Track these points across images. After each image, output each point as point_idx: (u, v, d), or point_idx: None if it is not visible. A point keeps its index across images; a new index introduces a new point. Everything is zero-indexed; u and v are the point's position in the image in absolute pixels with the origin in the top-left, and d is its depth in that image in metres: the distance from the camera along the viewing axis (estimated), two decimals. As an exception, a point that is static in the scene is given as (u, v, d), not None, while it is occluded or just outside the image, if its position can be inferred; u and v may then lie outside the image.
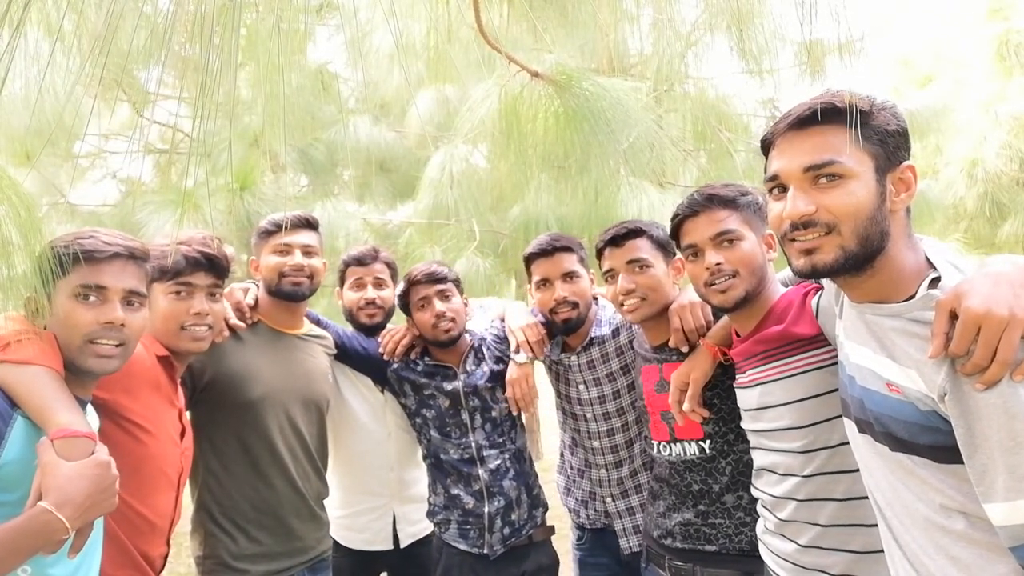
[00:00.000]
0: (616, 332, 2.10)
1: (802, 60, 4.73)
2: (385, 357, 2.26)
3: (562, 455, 2.37)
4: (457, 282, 2.26)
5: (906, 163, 1.10)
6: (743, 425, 1.62)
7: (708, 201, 1.55)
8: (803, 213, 1.09)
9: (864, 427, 1.14)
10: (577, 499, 2.26)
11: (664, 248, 1.89)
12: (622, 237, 1.86)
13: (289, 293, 2.07)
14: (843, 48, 4.34)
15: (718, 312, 1.73)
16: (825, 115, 1.09)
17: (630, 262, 1.84)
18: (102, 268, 1.32)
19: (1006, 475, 0.88)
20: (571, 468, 2.30)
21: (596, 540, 2.21)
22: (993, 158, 6.71)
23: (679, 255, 1.94)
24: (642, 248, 1.85)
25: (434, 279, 2.18)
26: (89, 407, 1.40)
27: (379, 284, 2.35)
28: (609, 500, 2.12)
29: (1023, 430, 0.87)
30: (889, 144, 1.08)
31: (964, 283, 0.95)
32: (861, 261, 1.08)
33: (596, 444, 2.13)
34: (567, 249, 2.07)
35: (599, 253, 1.93)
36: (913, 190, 1.09)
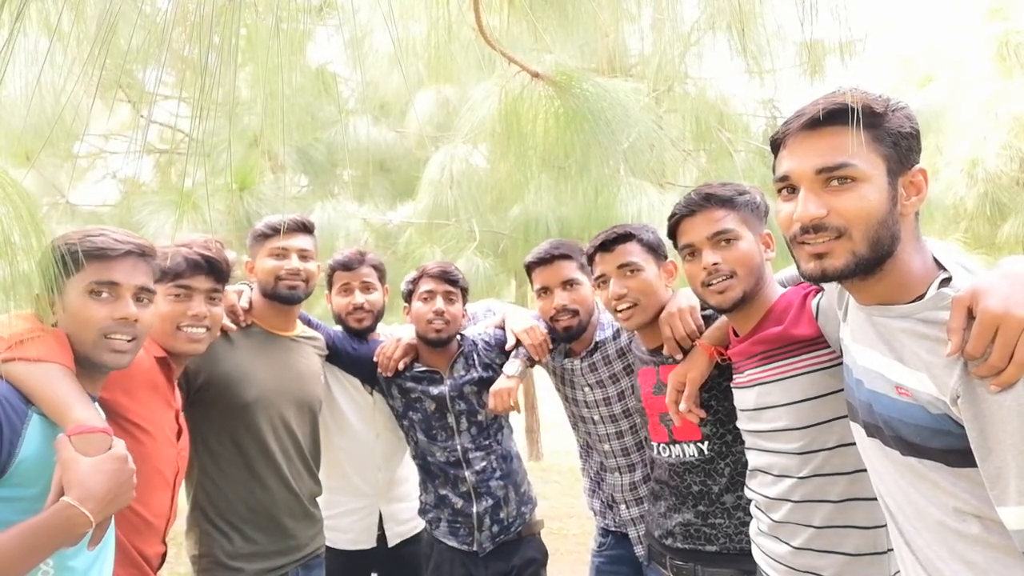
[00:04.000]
0: (617, 334, 2.10)
1: (802, 60, 4.73)
2: (383, 374, 2.27)
3: (582, 459, 2.36)
4: (465, 291, 2.28)
5: (918, 166, 1.08)
6: (739, 425, 1.62)
7: (705, 200, 1.55)
8: (814, 216, 1.07)
9: (873, 431, 1.13)
10: (602, 501, 2.24)
11: (655, 251, 1.88)
12: (612, 242, 1.85)
13: (285, 296, 2.08)
14: (843, 48, 4.35)
15: (716, 312, 1.72)
16: (838, 115, 1.06)
17: (621, 267, 1.83)
18: (114, 265, 1.35)
19: (1019, 478, 0.86)
20: (592, 472, 2.29)
21: (619, 546, 2.18)
22: (993, 158, 6.70)
23: (671, 258, 1.94)
24: (632, 252, 1.84)
25: (445, 278, 2.21)
26: (96, 405, 1.41)
27: (366, 288, 2.35)
28: (623, 507, 2.10)
29: None
30: (902, 147, 1.07)
31: (982, 282, 0.93)
32: (871, 266, 1.06)
33: (607, 447, 2.11)
34: (566, 257, 2.06)
35: (590, 259, 1.92)
36: (924, 193, 1.08)
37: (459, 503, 2.19)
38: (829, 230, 1.07)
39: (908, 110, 1.09)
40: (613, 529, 2.19)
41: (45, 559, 1.16)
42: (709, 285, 1.52)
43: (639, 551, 2.07)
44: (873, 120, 1.06)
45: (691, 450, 1.77)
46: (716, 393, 1.72)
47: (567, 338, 2.12)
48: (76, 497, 1.13)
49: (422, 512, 2.32)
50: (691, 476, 1.78)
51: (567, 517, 5.89)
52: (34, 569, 1.17)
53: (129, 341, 1.36)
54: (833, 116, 1.07)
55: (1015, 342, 0.87)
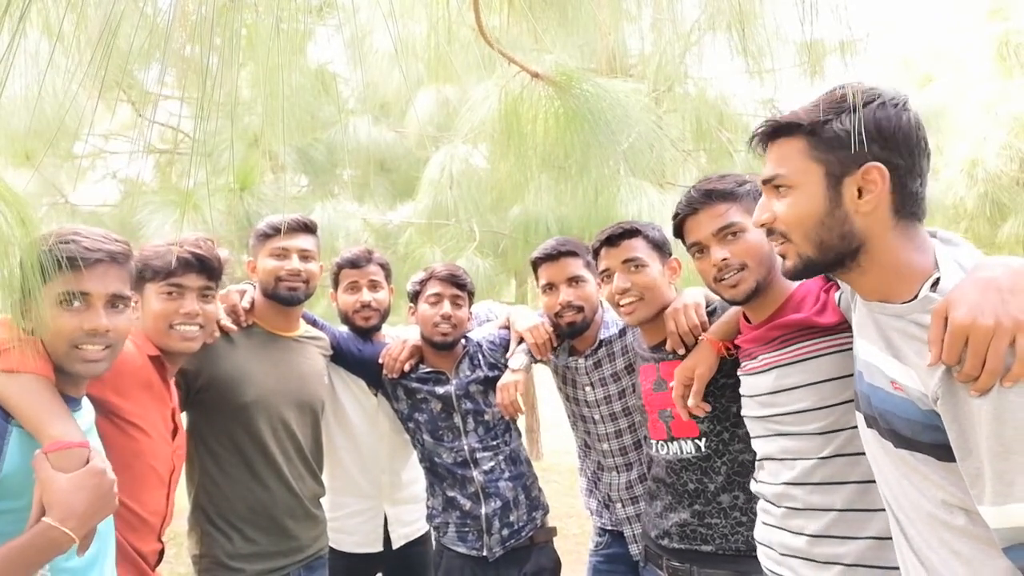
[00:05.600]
0: (623, 332, 2.10)
1: (802, 60, 4.73)
2: (388, 376, 2.26)
3: (580, 457, 2.37)
4: (471, 295, 2.28)
5: (869, 164, 1.08)
6: (747, 413, 1.59)
7: (706, 197, 1.55)
8: (763, 221, 1.20)
9: (871, 422, 1.16)
10: (599, 501, 2.25)
11: (660, 248, 1.89)
12: (617, 237, 1.86)
13: (285, 297, 2.07)
14: (843, 48, 4.36)
15: (728, 306, 1.72)
16: (780, 131, 1.16)
17: (625, 262, 1.84)
18: (84, 274, 1.30)
19: (995, 480, 0.89)
20: (589, 471, 2.29)
21: (616, 545, 2.19)
22: (993, 158, 6.70)
23: (674, 256, 1.94)
24: (637, 248, 1.85)
25: (454, 281, 2.21)
26: (85, 401, 1.41)
27: (374, 286, 2.34)
28: (619, 506, 2.11)
29: (1012, 436, 0.87)
30: (839, 153, 1.10)
31: (955, 291, 0.96)
32: (824, 264, 1.15)
33: (605, 446, 2.12)
34: (572, 254, 2.07)
35: (595, 254, 1.93)
36: (880, 189, 1.07)
37: (467, 505, 2.17)
38: (776, 234, 1.19)
39: (843, 118, 1.09)
40: (610, 528, 2.20)
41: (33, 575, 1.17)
42: (721, 280, 1.52)
43: (634, 550, 2.07)
44: (812, 128, 1.12)
45: (688, 447, 1.77)
46: (713, 390, 1.71)
47: (570, 334, 2.13)
48: (57, 517, 1.13)
49: (430, 518, 2.30)
50: (687, 474, 1.78)
51: (567, 517, 5.89)
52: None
53: (103, 349, 1.33)
54: (776, 132, 1.18)
55: (984, 350, 0.88)
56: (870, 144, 1.07)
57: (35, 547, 1.13)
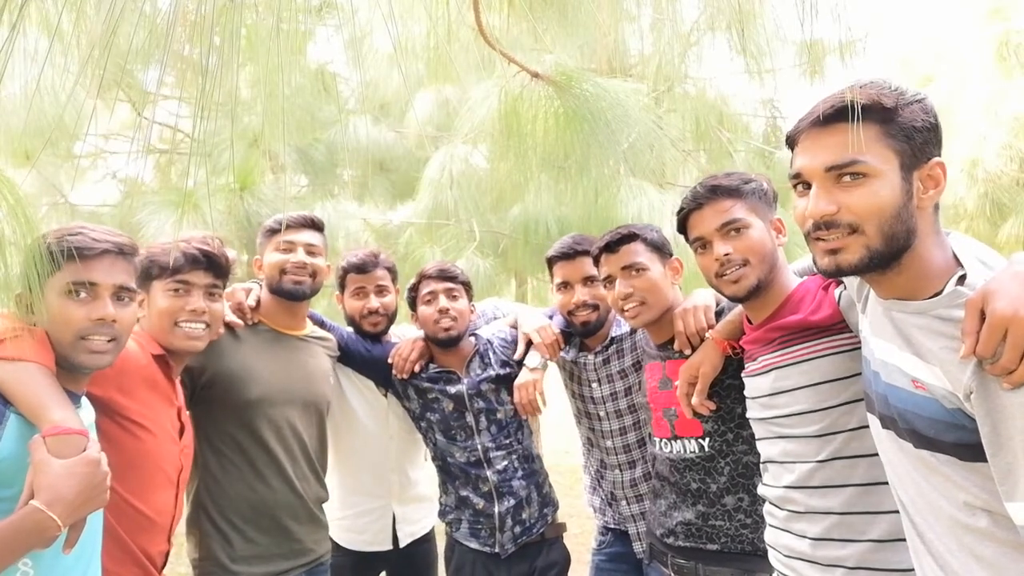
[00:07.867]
0: (634, 330, 2.10)
1: (802, 60, 4.74)
2: (398, 376, 2.26)
3: (584, 455, 2.37)
4: (467, 286, 2.28)
5: (935, 159, 1.08)
6: (751, 415, 1.59)
7: (712, 192, 1.54)
8: (824, 212, 1.08)
9: (888, 423, 1.14)
10: (602, 498, 2.26)
11: (660, 250, 1.89)
12: (616, 243, 1.86)
13: (290, 291, 2.05)
14: (843, 48, 4.36)
15: (731, 304, 1.72)
16: (848, 112, 1.06)
17: (626, 267, 1.84)
18: (92, 265, 1.32)
19: None
20: (592, 469, 2.30)
21: (619, 544, 2.19)
22: (993, 158, 6.69)
23: (676, 255, 1.95)
24: (637, 252, 1.85)
25: (445, 276, 2.22)
26: (84, 400, 1.41)
27: (381, 291, 2.33)
28: (624, 503, 2.11)
29: None
30: (916, 140, 1.06)
31: (992, 283, 0.94)
32: (887, 259, 1.07)
33: (609, 443, 2.12)
34: (588, 253, 2.07)
35: (595, 260, 1.93)
36: (942, 187, 1.08)
37: (480, 503, 2.18)
38: (841, 226, 1.08)
39: (925, 102, 1.08)
40: (613, 526, 2.20)
41: (14, 561, 1.15)
42: (723, 276, 1.51)
43: (638, 548, 2.07)
44: (884, 115, 1.06)
45: (692, 446, 1.77)
46: (718, 390, 1.71)
47: (584, 333, 2.13)
48: (44, 501, 1.11)
49: (442, 514, 2.31)
50: (691, 473, 1.78)
51: (567, 517, 5.86)
52: (12, 568, 1.17)
53: (108, 341, 1.34)
54: (843, 113, 1.07)
55: None
56: (932, 139, 1.07)
57: (20, 530, 1.11)
